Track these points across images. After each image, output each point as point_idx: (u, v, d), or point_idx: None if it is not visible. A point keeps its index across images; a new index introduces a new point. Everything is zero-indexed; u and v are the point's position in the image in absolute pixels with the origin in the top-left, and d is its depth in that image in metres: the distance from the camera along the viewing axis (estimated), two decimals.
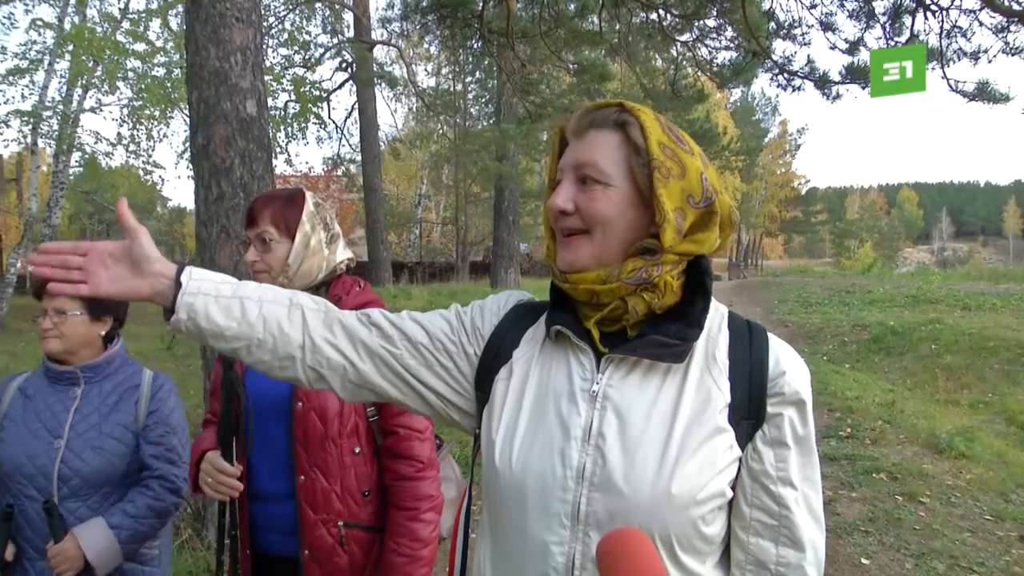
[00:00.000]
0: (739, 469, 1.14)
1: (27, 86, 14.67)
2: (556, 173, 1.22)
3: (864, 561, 4.37)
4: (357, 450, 1.95)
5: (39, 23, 14.01)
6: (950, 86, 6.57)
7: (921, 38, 6.76)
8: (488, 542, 1.23)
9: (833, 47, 7.33)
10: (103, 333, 2.30)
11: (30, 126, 14.36)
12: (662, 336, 1.13)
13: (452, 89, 26.05)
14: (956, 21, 6.64)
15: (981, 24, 6.57)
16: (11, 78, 14.24)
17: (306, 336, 1.23)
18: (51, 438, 2.19)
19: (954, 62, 6.65)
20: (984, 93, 6.47)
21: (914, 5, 6.77)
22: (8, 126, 14.17)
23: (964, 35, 6.62)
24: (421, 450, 1.97)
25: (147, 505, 2.19)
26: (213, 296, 1.20)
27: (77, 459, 2.17)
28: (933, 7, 6.68)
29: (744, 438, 1.12)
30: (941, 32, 6.67)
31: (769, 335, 1.20)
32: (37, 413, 2.23)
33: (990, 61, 6.60)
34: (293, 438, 1.90)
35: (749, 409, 1.12)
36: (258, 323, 1.21)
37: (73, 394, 2.26)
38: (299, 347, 1.23)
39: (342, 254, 2.03)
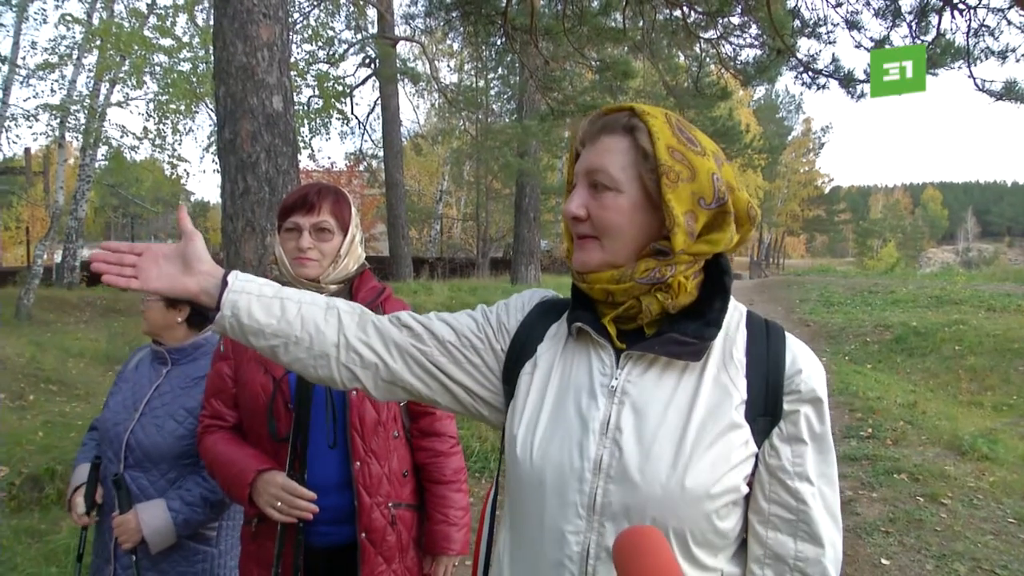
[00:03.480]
0: (756, 465, 1.16)
1: (56, 80, 14.88)
2: (572, 177, 1.25)
3: (884, 562, 4.35)
4: (396, 434, 2.05)
5: (68, 18, 14.20)
6: (977, 85, 6.52)
7: (948, 37, 6.71)
8: (508, 531, 1.28)
9: (858, 45, 7.29)
10: (180, 319, 2.44)
11: (58, 120, 14.55)
12: (679, 335, 1.16)
13: (474, 85, 26.03)
14: (984, 20, 6.59)
15: (1009, 23, 6.53)
16: (41, 73, 14.43)
17: (341, 335, 1.29)
18: (132, 410, 2.36)
19: (981, 61, 6.60)
20: (1011, 92, 6.42)
21: (941, 3, 6.72)
22: (37, 120, 14.37)
23: (991, 34, 6.57)
24: (451, 427, 2.14)
25: (201, 495, 2.29)
26: (256, 295, 1.27)
27: (142, 432, 2.31)
28: (960, 5, 6.63)
29: (761, 435, 1.15)
30: (968, 31, 6.61)
31: (787, 334, 1.22)
32: (132, 384, 2.44)
33: (1018, 60, 6.54)
34: (348, 426, 1.96)
35: (766, 406, 1.15)
36: (296, 321, 1.28)
37: (160, 372, 2.43)
38: (334, 345, 1.29)
39: (363, 253, 2.14)
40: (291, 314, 1.28)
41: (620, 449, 1.12)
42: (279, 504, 1.87)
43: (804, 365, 1.17)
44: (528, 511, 1.19)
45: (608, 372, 1.18)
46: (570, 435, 1.16)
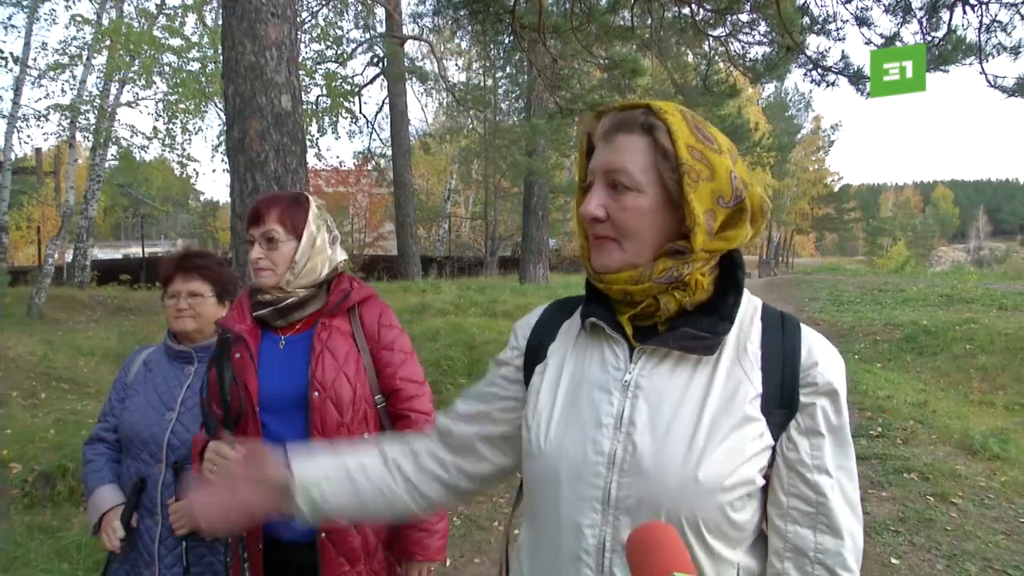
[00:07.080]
0: (773, 458, 1.16)
1: (67, 81, 14.97)
2: (586, 175, 1.23)
3: (894, 561, 4.33)
4: (365, 436, 2.03)
5: (78, 19, 14.27)
6: (989, 81, 6.49)
7: (959, 33, 6.67)
8: (528, 524, 1.29)
9: (868, 42, 7.26)
10: (225, 312, 2.48)
11: (68, 120, 14.62)
12: (693, 329, 1.15)
13: (483, 84, 26.01)
14: (996, 15, 6.55)
15: (1022, 18, 6.48)
16: (51, 73, 14.52)
17: (411, 491, 1.38)
18: (165, 410, 2.37)
19: (993, 57, 6.57)
20: None
21: None
22: (48, 120, 14.47)
23: (1004, 29, 6.52)
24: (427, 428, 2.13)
25: None
26: (323, 478, 1.35)
27: (185, 430, 2.33)
28: (972, 1, 6.59)
29: (778, 428, 1.15)
30: (980, 27, 6.58)
31: (802, 326, 1.21)
32: (155, 386, 2.44)
33: None
34: (311, 427, 1.96)
35: (781, 399, 1.15)
36: (370, 500, 1.37)
37: (187, 371, 2.45)
38: (412, 501, 1.39)
39: (341, 254, 2.14)
40: (364, 492, 1.36)
41: (633, 443, 1.12)
42: (213, 468, 1.85)
43: (820, 357, 1.16)
44: (545, 505, 1.20)
45: (621, 367, 1.18)
46: (583, 430, 1.17)
